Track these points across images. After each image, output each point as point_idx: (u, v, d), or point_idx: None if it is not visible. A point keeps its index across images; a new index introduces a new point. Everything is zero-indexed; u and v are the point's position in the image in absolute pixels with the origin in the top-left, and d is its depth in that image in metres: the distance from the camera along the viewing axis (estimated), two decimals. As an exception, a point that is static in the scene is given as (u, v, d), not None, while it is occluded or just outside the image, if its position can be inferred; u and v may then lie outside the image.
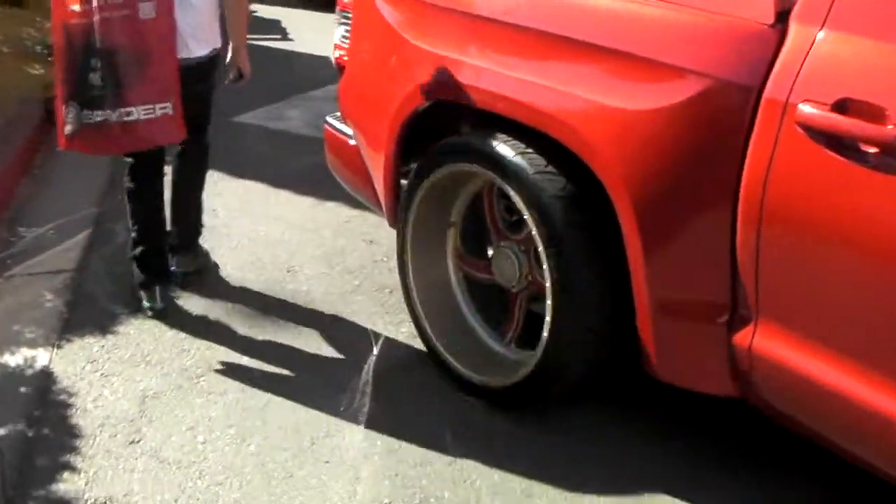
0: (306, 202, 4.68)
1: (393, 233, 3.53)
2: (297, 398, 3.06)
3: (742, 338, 2.49)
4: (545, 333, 2.84)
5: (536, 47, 2.80)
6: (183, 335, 3.43)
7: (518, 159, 2.80)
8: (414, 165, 3.20)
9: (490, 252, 3.18)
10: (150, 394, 3.08)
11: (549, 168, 2.77)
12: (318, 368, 3.25)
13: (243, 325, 3.51)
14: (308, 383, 3.15)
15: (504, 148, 2.83)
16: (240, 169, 5.04)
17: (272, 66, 6.71)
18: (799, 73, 2.26)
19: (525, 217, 2.83)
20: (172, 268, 3.75)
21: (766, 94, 2.32)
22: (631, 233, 2.57)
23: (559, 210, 2.73)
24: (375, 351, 3.37)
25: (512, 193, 2.83)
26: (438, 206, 3.23)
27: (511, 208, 3.19)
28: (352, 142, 3.66)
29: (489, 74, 2.89)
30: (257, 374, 3.20)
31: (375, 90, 3.40)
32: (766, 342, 2.43)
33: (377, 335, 3.46)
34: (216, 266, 3.94)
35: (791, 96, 2.27)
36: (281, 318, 3.56)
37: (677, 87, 2.46)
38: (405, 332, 3.49)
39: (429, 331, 3.26)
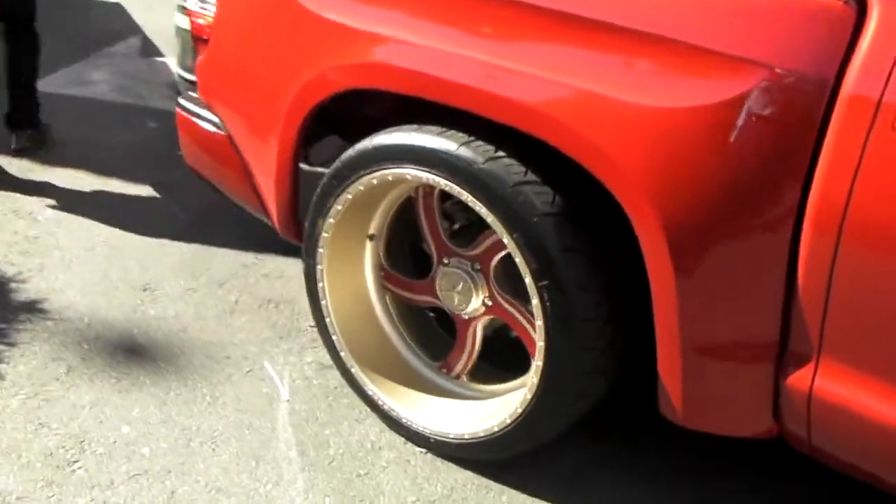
0: (143, 192, 3.78)
1: (262, 224, 2.83)
2: (210, 484, 2.33)
3: (797, 378, 1.99)
4: (535, 379, 2.23)
5: (522, 24, 2.12)
6: (38, 402, 2.58)
7: (491, 167, 2.14)
8: (328, 170, 2.46)
9: (433, 271, 2.52)
10: (12, 501, 2.25)
11: (531, 177, 2.14)
12: (223, 433, 2.50)
13: (108, 377, 2.68)
14: (217, 458, 2.40)
15: (468, 152, 2.16)
16: (54, 157, 4.05)
17: (66, 17, 5.58)
18: None
19: (491, 229, 2.21)
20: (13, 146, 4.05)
21: (847, 88, 1.78)
22: (658, 261, 1.98)
23: (551, 231, 2.10)
24: (285, 395, 2.66)
25: (482, 210, 2.18)
26: (356, 218, 2.52)
27: (449, 214, 2.55)
28: (218, 130, 2.87)
29: (444, 58, 2.20)
30: (147, 450, 2.42)
31: (261, 72, 2.60)
32: (829, 383, 1.95)
33: (280, 372, 2.75)
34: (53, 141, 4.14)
35: (886, 94, 1.74)
36: (153, 360, 2.75)
37: (723, 81, 1.87)
38: (312, 362, 2.79)
39: (361, 376, 2.58)
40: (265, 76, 2.59)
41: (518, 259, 2.16)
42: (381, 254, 2.60)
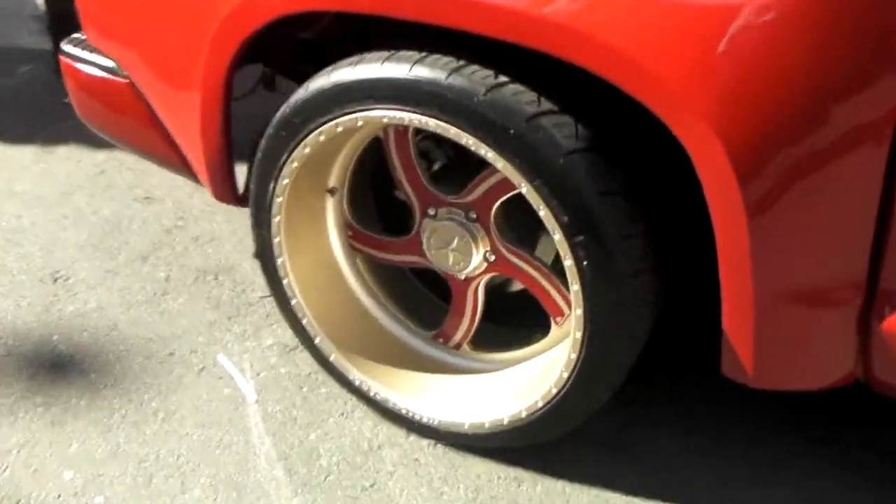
0: (28, 154, 3.14)
1: (177, 177, 2.31)
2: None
3: (889, 318, 1.61)
4: (572, 354, 1.78)
5: None
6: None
7: (496, 98, 1.62)
8: (277, 117, 1.91)
9: (415, 226, 2.01)
10: None
11: (548, 106, 1.64)
12: (189, 460, 1.98)
13: (32, 405, 2.10)
14: (188, 496, 1.89)
15: (464, 82, 1.63)
16: None
17: None
18: None
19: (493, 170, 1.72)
20: None
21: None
22: (724, 197, 1.53)
23: (583, 172, 1.62)
24: (251, 395, 2.15)
25: (489, 155, 1.67)
26: (314, 172, 1.99)
27: (424, 152, 2.04)
28: (114, 77, 2.27)
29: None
30: (102, 499, 1.88)
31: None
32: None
33: (239, 364, 2.24)
34: None
35: None
36: (83, 373, 2.19)
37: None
38: (273, 345, 2.29)
39: (343, 363, 2.08)
40: (180, 5, 2.00)
41: (542, 212, 1.67)
42: (347, 209, 2.08)
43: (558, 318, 1.94)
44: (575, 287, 1.71)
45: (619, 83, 1.53)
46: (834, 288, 1.64)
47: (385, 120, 1.75)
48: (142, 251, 2.60)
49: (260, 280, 2.45)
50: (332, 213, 2.08)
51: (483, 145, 1.66)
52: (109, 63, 2.27)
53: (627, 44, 1.48)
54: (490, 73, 1.65)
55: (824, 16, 1.41)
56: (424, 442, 2.05)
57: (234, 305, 2.41)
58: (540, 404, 1.86)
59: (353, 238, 2.10)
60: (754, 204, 1.52)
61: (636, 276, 1.69)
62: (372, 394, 2.06)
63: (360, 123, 1.78)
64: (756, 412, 2.08)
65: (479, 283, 1.99)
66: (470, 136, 1.67)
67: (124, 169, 2.94)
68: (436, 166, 2.02)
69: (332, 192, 2.03)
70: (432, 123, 1.70)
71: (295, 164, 1.90)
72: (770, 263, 1.59)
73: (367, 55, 1.75)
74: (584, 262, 1.67)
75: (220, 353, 2.27)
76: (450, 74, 1.65)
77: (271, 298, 2.37)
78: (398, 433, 2.07)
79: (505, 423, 1.91)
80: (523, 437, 1.92)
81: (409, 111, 1.71)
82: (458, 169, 1.99)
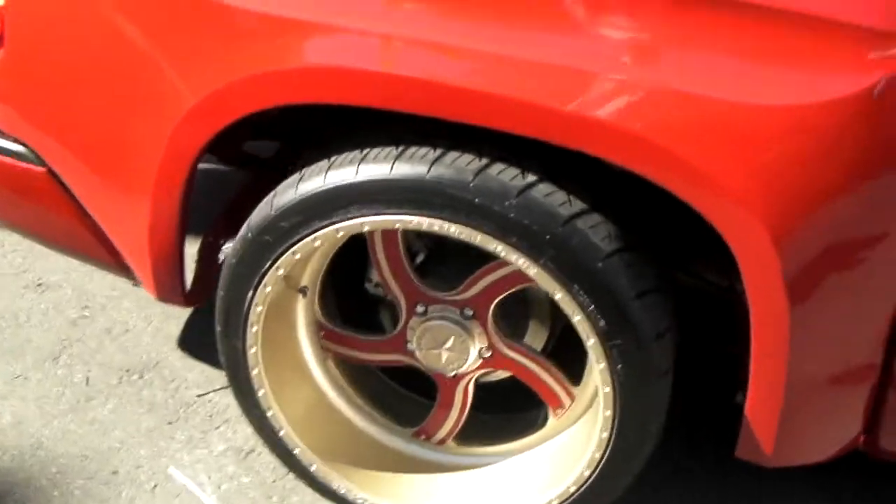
0: None
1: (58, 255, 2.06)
2: None
3: None
4: (597, 454, 1.67)
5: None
6: None
7: (527, 202, 1.49)
8: (259, 219, 1.68)
9: (400, 324, 1.83)
10: None
11: (580, 206, 1.52)
12: None
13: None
14: None
15: (492, 183, 1.50)
16: None
17: None
18: None
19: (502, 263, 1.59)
20: None
21: None
22: (768, 293, 1.47)
23: (622, 275, 1.52)
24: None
25: (520, 262, 1.53)
26: (293, 276, 1.77)
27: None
28: (29, 164, 1.96)
29: (445, 57, 1.49)
30: None
31: (111, 83, 1.74)
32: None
33: (195, 477, 1.98)
34: None
35: None
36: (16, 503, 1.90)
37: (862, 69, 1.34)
38: (227, 451, 2.04)
39: (325, 472, 1.87)
40: (120, 88, 1.73)
41: (577, 318, 1.55)
42: (317, 308, 1.88)
43: (558, 411, 1.83)
44: (606, 390, 1.60)
45: (667, 184, 1.43)
46: (856, 368, 1.63)
47: (398, 226, 1.57)
48: (50, 350, 2.27)
49: (192, 375, 2.22)
50: (302, 314, 1.87)
51: (515, 252, 1.52)
52: (19, 149, 1.95)
53: (687, 148, 1.39)
54: (517, 172, 1.51)
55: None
56: (418, 548, 1.89)
57: (171, 408, 2.14)
58: (572, 489, 1.73)
59: (326, 338, 1.90)
60: (797, 295, 1.47)
61: (667, 373, 1.60)
62: (360, 502, 1.87)
63: (366, 229, 1.60)
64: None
65: (469, 380, 1.85)
66: (499, 243, 1.52)
67: (7, 251, 2.57)
68: (418, 260, 1.85)
69: (303, 291, 1.82)
70: (455, 230, 1.54)
71: (281, 272, 1.68)
72: (805, 350, 1.55)
73: (372, 153, 1.57)
74: (619, 365, 1.57)
75: (170, 465, 2.00)
76: (476, 175, 1.50)
77: (210, 396, 2.15)
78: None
79: None
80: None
81: (427, 216, 1.54)
82: (440, 261, 1.83)
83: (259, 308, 1.73)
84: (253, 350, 1.78)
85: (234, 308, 1.74)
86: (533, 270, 1.53)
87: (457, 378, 1.84)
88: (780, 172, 1.40)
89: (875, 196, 1.43)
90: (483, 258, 1.66)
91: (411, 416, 1.96)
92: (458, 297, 1.75)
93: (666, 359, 1.59)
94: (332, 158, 1.60)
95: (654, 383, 1.59)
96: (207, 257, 1.97)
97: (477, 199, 1.50)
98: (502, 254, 1.54)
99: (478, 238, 1.53)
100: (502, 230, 1.51)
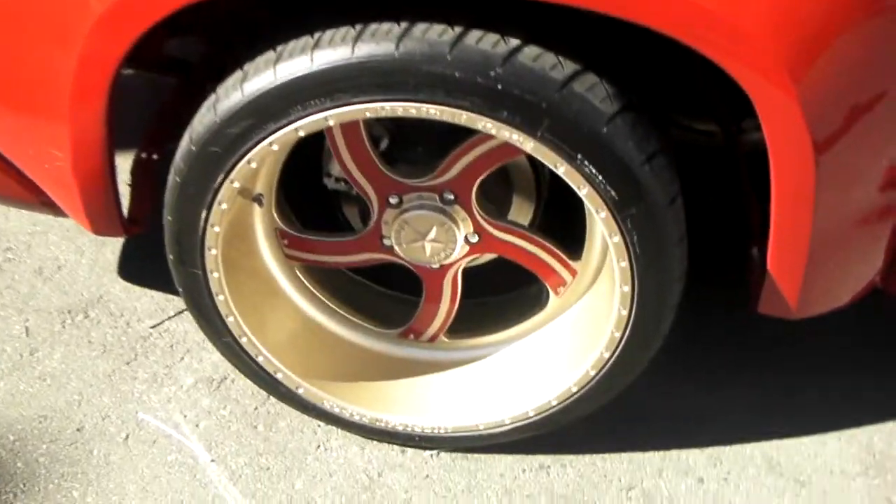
0: None
1: None
2: None
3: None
4: (616, 333, 1.50)
5: None
6: None
7: (515, 69, 1.26)
8: (200, 129, 1.42)
9: (373, 220, 1.61)
10: None
11: (575, 68, 1.29)
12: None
13: None
14: None
15: (472, 55, 1.26)
16: None
17: None
18: None
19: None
20: None
21: None
22: (791, 144, 1.30)
23: (628, 139, 1.31)
24: (204, 454, 1.71)
25: (513, 137, 1.31)
26: (248, 186, 1.52)
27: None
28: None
29: None
30: None
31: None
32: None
33: (169, 418, 1.77)
34: None
35: None
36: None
37: None
38: (198, 384, 1.83)
39: (315, 392, 1.68)
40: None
41: (584, 191, 1.36)
42: (276, 215, 1.64)
43: (560, 288, 1.66)
44: (622, 264, 1.43)
45: (680, 34, 1.22)
46: (878, 209, 1.49)
47: (368, 115, 1.34)
48: (-22, 302, 2.00)
49: (141, 305, 1.99)
50: (259, 225, 1.63)
51: (507, 127, 1.31)
52: None
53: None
54: (497, 38, 1.28)
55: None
56: (426, 455, 1.73)
57: (126, 345, 1.90)
58: (574, 389, 1.59)
59: (290, 246, 1.67)
60: (821, 139, 1.30)
61: (682, 240, 1.43)
62: (357, 418, 1.69)
63: (330, 123, 1.36)
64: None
65: (457, 269, 1.66)
66: (488, 120, 1.31)
67: None
68: (382, 146, 1.61)
69: (258, 200, 1.58)
70: (435, 111, 1.31)
71: (236, 185, 1.44)
72: (829, 196, 1.40)
73: (326, 36, 1.31)
74: (636, 236, 1.39)
75: (139, 410, 1.78)
76: (453, 47, 1.26)
77: (166, 325, 1.92)
78: (391, 452, 1.73)
79: (531, 414, 1.63)
80: (555, 422, 1.64)
81: (401, 100, 1.31)
82: (407, 144, 1.61)
83: (216, 229, 1.49)
84: (215, 275, 1.55)
85: (187, 232, 1.50)
86: (530, 145, 1.32)
87: (443, 269, 1.65)
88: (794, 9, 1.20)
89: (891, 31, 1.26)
90: (456, 134, 1.45)
91: (395, 316, 1.78)
92: (435, 182, 1.54)
93: (679, 224, 1.42)
94: (279, 48, 1.34)
95: (670, 252, 1.42)
96: (143, 177, 1.71)
97: (457, 73, 1.27)
98: (493, 131, 1.32)
99: (463, 117, 1.31)
100: (490, 105, 1.29)
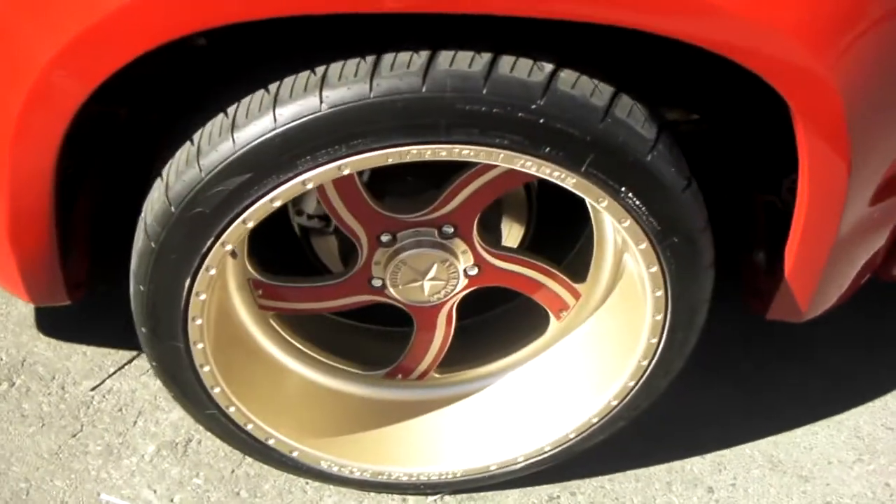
0: None
1: None
2: None
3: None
4: (644, 361, 1.38)
5: None
6: None
7: (557, 99, 1.10)
8: (179, 189, 1.17)
9: (361, 260, 1.40)
10: None
11: (612, 91, 1.14)
12: None
13: None
14: None
15: (510, 83, 1.08)
16: None
17: None
18: None
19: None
20: None
21: None
22: (826, 152, 1.20)
23: (667, 169, 1.18)
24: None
25: (555, 175, 1.15)
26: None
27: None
28: None
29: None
30: None
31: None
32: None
33: (137, 496, 1.52)
34: None
35: None
36: None
37: None
38: (160, 448, 1.59)
39: (311, 452, 1.47)
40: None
41: (626, 224, 1.21)
42: (249, 266, 1.41)
43: (563, 313, 1.51)
44: (658, 293, 1.30)
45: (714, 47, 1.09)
46: (890, 210, 1.41)
47: (391, 160, 1.13)
48: None
49: (73, 364, 1.72)
50: (232, 279, 1.40)
51: (549, 164, 1.14)
52: None
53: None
54: (530, 63, 1.11)
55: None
56: (429, 501, 1.57)
57: (67, 414, 1.63)
58: (614, 403, 1.45)
59: (263, 296, 1.45)
60: (858, 154, 1.21)
61: (712, 264, 1.31)
62: (357, 474, 1.51)
63: (345, 172, 1.15)
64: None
65: (453, 305, 1.48)
66: (527, 158, 1.13)
67: None
68: (363, 178, 1.41)
69: (233, 253, 1.35)
70: (469, 152, 1.13)
71: (229, 248, 1.21)
72: (857, 201, 1.31)
73: (333, 71, 1.10)
74: (673, 266, 1.26)
75: (101, 491, 1.53)
76: (487, 79, 1.08)
77: (108, 385, 1.67)
78: (391, 503, 1.56)
79: (571, 436, 1.49)
80: (583, 444, 1.51)
81: (430, 143, 1.12)
82: (394, 177, 1.41)
83: (202, 297, 1.26)
84: (199, 346, 1.31)
85: (166, 303, 1.26)
86: (572, 181, 1.16)
87: (438, 306, 1.48)
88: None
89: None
90: (450, 164, 1.27)
91: (378, 355, 1.59)
92: (434, 216, 1.35)
93: (712, 248, 1.30)
94: (275, 87, 1.12)
95: (704, 277, 1.31)
96: (79, 230, 1.43)
97: (495, 110, 1.09)
98: (532, 169, 1.15)
99: (500, 157, 1.13)
100: (532, 142, 1.12)
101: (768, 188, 1.47)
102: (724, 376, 1.79)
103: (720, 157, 1.55)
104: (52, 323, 1.78)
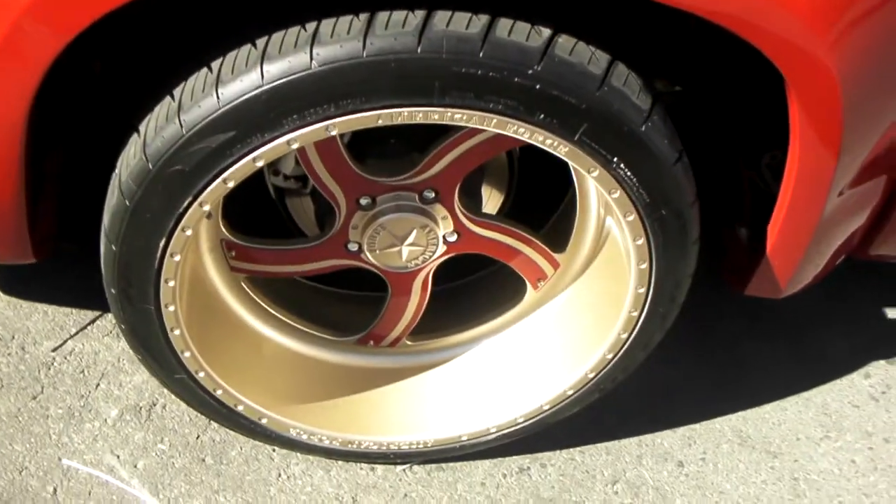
0: None
1: None
2: None
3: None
4: (623, 334, 1.36)
5: None
6: None
7: (554, 66, 1.06)
8: (159, 145, 1.12)
9: (338, 223, 1.36)
10: None
11: (608, 58, 1.11)
12: None
13: None
14: None
15: (508, 46, 1.05)
16: None
17: None
18: None
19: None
20: None
21: None
22: (820, 125, 1.18)
23: (660, 140, 1.15)
24: (149, 499, 1.44)
25: (547, 142, 1.11)
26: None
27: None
28: None
29: None
30: None
31: None
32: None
33: (100, 461, 1.47)
34: None
35: None
36: None
37: None
38: (123, 412, 1.54)
39: (281, 420, 1.43)
40: None
41: (615, 195, 1.19)
42: (223, 227, 1.36)
43: (540, 283, 1.49)
44: (642, 266, 1.28)
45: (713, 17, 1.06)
46: (870, 192, 1.41)
47: (380, 122, 1.09)
48: None
49: (34, 325, 1.66)
50: (205, 240, 1.35)
51: (542, 131, 1.11)
52: None
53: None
54: (527, 27, 1.07)
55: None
56: (398, 471, 1.54)
57: (27, 376, 1.57)
58: (591, 375, 1.44)
59: (236, 258, 1.40)
60: (850, 127, 1.20)
61: (698, 240, 1.30)
62: (327, 442, 1.48)
63: (333, 133, 1.10)
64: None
65: (429, 271, 1.45)
66: (521, 124, 1.10)
67: None
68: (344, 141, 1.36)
69: (208, 215, 1.30)
70: (461, 115, 1.09)
71: (206, 208, 1.16)
72: (843, 180, 1.30)
73: (325, 27, 1.05)
74: (661, 238, 1.25)
75: (62, 456, 1.48)
76: (484, 41, 1.04)
77: (69, 346, 1.62)
78: (360, 472, 1.54)
79: (546, 407, 1.47)
80: (556, 416, 1.50)
81: (422, 105, 1.08)
82: (376, 139, 1.37)
83: (176, 258, 1.21)
84: (171, 309, 1.27)
85: (138, 263, 1.21)
86: (564, 149, 1.13)
87: (414, 272, 1.44)
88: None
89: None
90: (434, 127, 1.23)
91: (350, 320, 1.55)
92: (416, 180, 1.32)
93: (698, 224, 1.28)
94: (263, 44, 1.07)
95: (689, 252, 1.29)
96: (47, 186, 1.37)
97: (492, 74, 1.05)
98: (524, 136, 1.12)
99: (493, 122, 1.10)
100: (526, 107, 1.09)
101: (750, 164, 1.46)
102: (696, 352, 1.78)
103: (704, 131, 1.53)
104: (10, 281, 1.71)
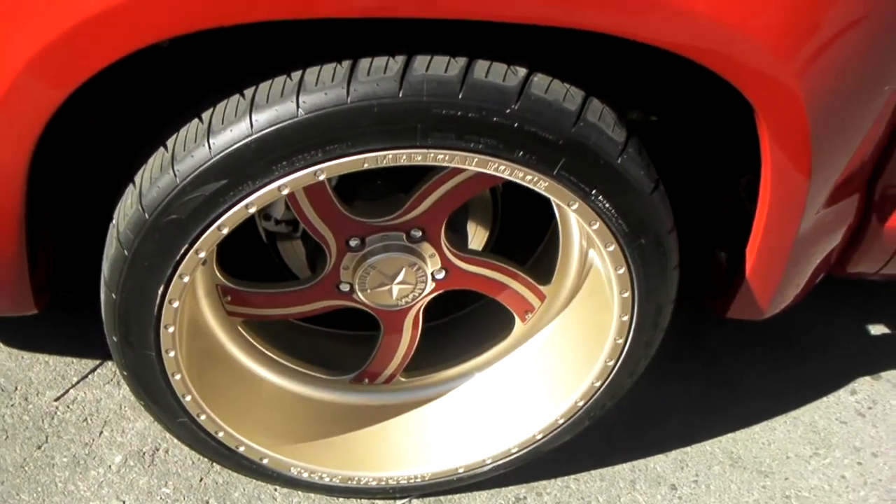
0: None
1: None
2: None
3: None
4: (610, 362, 1.39)
5: None
6: None
7: (533, 105, 1.10)
8: (154, 195, 1.15)
9: (329, 265, 1.39)
10: None
11: (583, 94, 1.15)
12: None
13: None
14: None
15: (486, 87, 1.08)
16: None
17: None
18: None
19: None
20: None
21: None
22: (789, 152, 1.22)
23: (636, 170, 1.19)
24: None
25: (526, 178, 1.15)
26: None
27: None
28: None
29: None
30: None
31: None
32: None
33: (102, 507, 1.49)
34: None
35: None
36: None
37: None
38: (127, 458, 1.55)
39: (282, 459, 1.45)
40: None
41: (595, 226, 1.22)
42: (218, 272, 1.39)
43: (528, 315, 1.52)
44: (625, 294, 1.31)
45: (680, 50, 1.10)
46: (844, 212, 1.45)
47: (367, 165, 1.13)
48: None
49: (36, 375, 1.67)
50: (201, 286, 1.38)
51: (522, 168, 1.14)
52: None
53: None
54: (504, 67, 1.11)
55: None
56: (399, 504, 1.56)
57: (31, 426, 1.59)
58: (580, 403, 1.46)
59: (232, 302, 1.43)
60: (819, 156, 1.25)
61: (678, 266, 1.33)
62: (327, 480, 1.49)
63: (321, 178, 1.14)
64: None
65: (419, 308, 1.48)
66: (500, 162, 1.14)
67: None
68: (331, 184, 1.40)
69: (203, 261, 1.33)
70: (444, 156, 1.13)
71: (202, 255, 1.19)
72: (817, 202, 1.34)
73: (310, 76, 1.09)
74: (642, 267, 1.28)
75: (67, 503, 1.49)
76: (463, 83, 1.08)
77: (72, 395, 1.63)
78: (360, 507, 1.55)
79: (538, 437, 1.49)
80: (549, 445, 1.52)
81: (405, 147, 1.11)
82: (362, 181, 1.40)
83: (175, 304, 1.23)
84: (171, 354, 1.29)
85: (138, 311, 1.23)
86: (543, 184, 1.17)
87: (405, 310, 1.47)
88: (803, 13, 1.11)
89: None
90: (418, 168, 1.26)
91: (344, 359, 1.57)
92: (402, 220, 1.35)
93: (677, 249, 1.31)
94: (251, 94, 1.11)
95: (670, 278, 1.32)
96: (45, 234, 1.40)
97: (471, 115, 1.09)
98: (505, 173, 1.15)
99: (474, 161, 1.13)
100: (506, 146, 1.12)
101: (727, 189, 1.50)
102: (683, 375, 1.81)
103: (680, 159, 1.57)
104: (10, 332, 1.74)
